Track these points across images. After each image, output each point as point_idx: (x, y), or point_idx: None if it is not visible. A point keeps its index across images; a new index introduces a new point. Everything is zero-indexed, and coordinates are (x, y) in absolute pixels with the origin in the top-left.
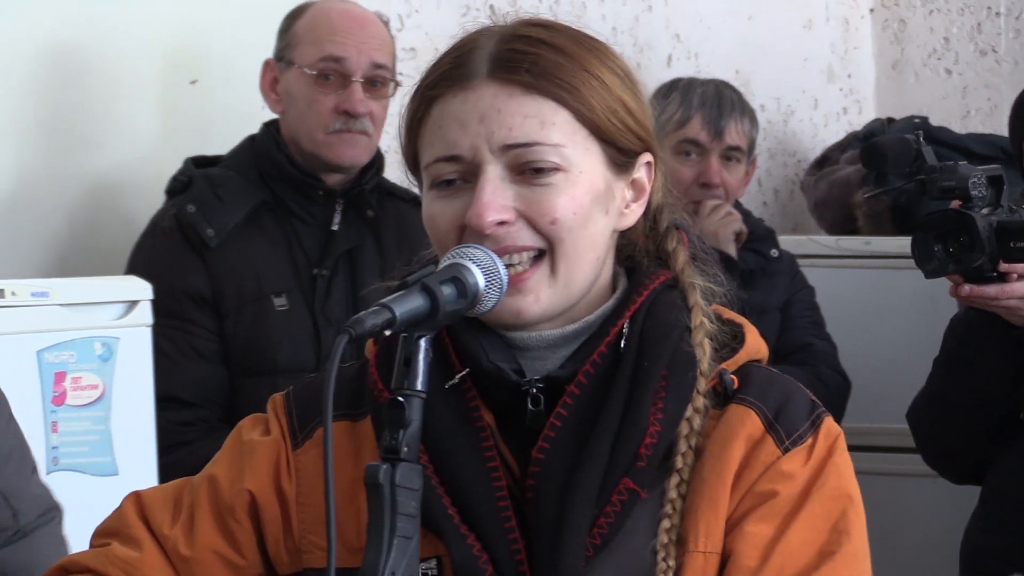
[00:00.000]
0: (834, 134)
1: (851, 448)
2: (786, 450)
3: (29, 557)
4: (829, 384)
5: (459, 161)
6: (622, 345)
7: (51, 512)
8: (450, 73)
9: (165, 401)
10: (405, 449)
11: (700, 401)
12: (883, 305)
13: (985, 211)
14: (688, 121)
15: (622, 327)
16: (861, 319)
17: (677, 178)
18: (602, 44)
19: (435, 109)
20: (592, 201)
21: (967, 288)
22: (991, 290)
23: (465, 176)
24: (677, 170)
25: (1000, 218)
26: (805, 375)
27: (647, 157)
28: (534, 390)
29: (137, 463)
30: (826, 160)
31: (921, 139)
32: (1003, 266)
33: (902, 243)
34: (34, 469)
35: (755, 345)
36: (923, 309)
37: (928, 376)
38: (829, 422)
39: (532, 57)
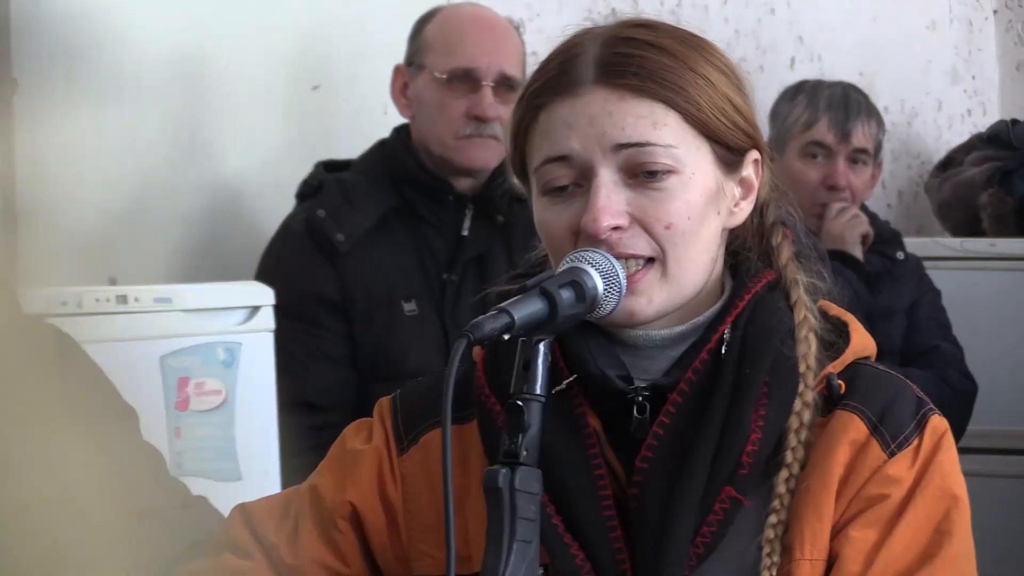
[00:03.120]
0: (958, 136)
1: (977, 451)
2: (892, 453)
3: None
4: (955, 387)
5: (570, 162)
6: (723, 351)
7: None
8: (556, 80)
9: (294, 405)
10: (524, 453)
11: (805, 409)
12: (1008, 307)
13: None
14: (815, 123)
15: (723, 333)
16: (986, 321)
17: (803, 180)
18: (705, 41)
19: (543, 116)
20: (705, 203)
21: None
22: None
23: (577, 181)
24: (803, 172)
25: None
26: (931, 378)
27: (754, 154)
28: (640, 398)
29: (260, 468)
30: (950, 162)
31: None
32: None
33: None
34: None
35: (861, 343)
36: None
37: None
38: (935, 419)
39: (638, 60)
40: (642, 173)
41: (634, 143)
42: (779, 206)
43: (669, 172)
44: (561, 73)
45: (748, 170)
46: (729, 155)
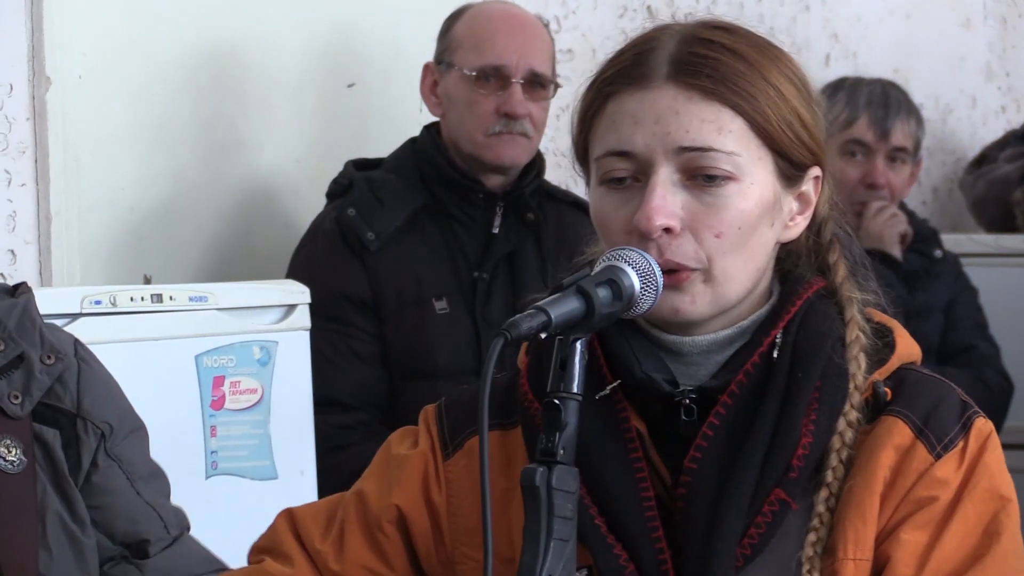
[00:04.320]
0: (992, 132)
1: (1012, 447)
2: (938, 456)
3: (182, 561)
4: (992, 386)
5: (631, 158)
6: (775, 355)
7: (187, 527)
8: (629, 71)
9: (324, 404)
10: (561, 451)
11: (853, 415)
12: None
13: None
14: (854, 121)
15: (775, 337)
16: (1019, 317)
17: (842, 178)
18: (782, 52)
19: (611, 104)
20: (760, 214)
21: None
22: None
23: (636, 175)
24: (842, 170)
25: None
26: (968, 377)
27: (816, 171)
28: (687, 400)
29: (296, 467)
30: (984, 159)
31: None
32: None
33: None
34: (169, 490)
35: (907, 349)
36: None
37: None
38: (980, 422)
39: (713, 62)
40: (701, 176)
41: (696, 147)
42: (837, 224)
43: (728, 179)
44: (634, 64)
45: (808, 186)
46: (791, 169)
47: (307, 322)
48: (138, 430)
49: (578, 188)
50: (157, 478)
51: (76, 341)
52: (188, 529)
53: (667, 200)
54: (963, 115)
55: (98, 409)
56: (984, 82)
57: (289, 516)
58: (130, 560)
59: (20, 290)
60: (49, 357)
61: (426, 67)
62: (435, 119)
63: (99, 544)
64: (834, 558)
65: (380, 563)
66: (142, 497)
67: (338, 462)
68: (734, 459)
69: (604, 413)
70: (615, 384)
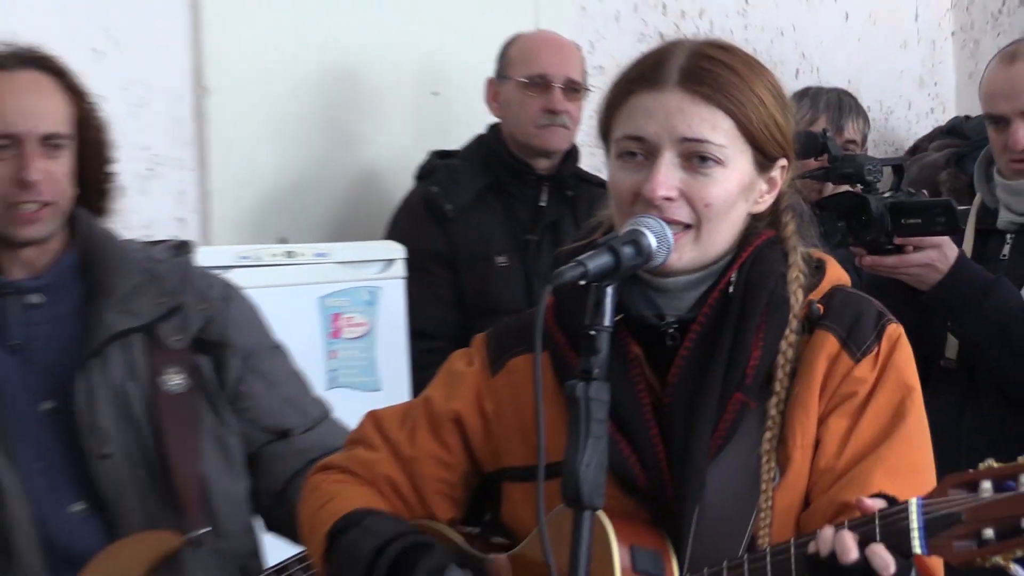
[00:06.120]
0: (924, 128)
1: None
2: (857, 360)
3: (320, 438)
4: None
5: (643, 142)
6: (730, 291)
7: (329, 412)
8: (648, 74)
9: (415, 335)
10: (596, 371)
11: (791, 336)
12: None
13: (888, 194)
14: (816, 120)
15: (731, 276)
16: None
17: (806, 164)
18: (765, 68)
19: (631, 99)
20: (738, 192)
21: (869, 259)
22: (891, 260)
23: (645, 155)
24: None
25: (896, 199)
26: None
27: (783, 161)
28: (670, 330)
29: (394, 381)
30: (917, 149)
31: (827, 134)
32: (897, 240)
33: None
34: (308, 388)
35: (835, 274)
36: None
37: None
38: (892, 328)
39: (714, 75)
40: (695, 158)
41: (694, 139)
42: (791, 197)
43: (716, 163)
44: (652, 69)
45: (776, 172)
46: (764, 160)
47: (403, 272)
48: (275, 348)
49: (606, 174)
50: (296, 380)
51: (226, 284)
52: (328, 414)
53: (669, 176)
54: (901, 115)
55: (239, 338)
56: (917, 90)
57: (373, 415)
58: (278, 441)
59: (184, 248)
60: (201, 303)
61: (489, 81)
62: (496, 120)
63: (251, 435)
64: (787, 446)
65: (443, 451)
66: (280, 397)
67: (424, 377)
68: (703, 372)
69: (611, 341)
70: (619, 318)
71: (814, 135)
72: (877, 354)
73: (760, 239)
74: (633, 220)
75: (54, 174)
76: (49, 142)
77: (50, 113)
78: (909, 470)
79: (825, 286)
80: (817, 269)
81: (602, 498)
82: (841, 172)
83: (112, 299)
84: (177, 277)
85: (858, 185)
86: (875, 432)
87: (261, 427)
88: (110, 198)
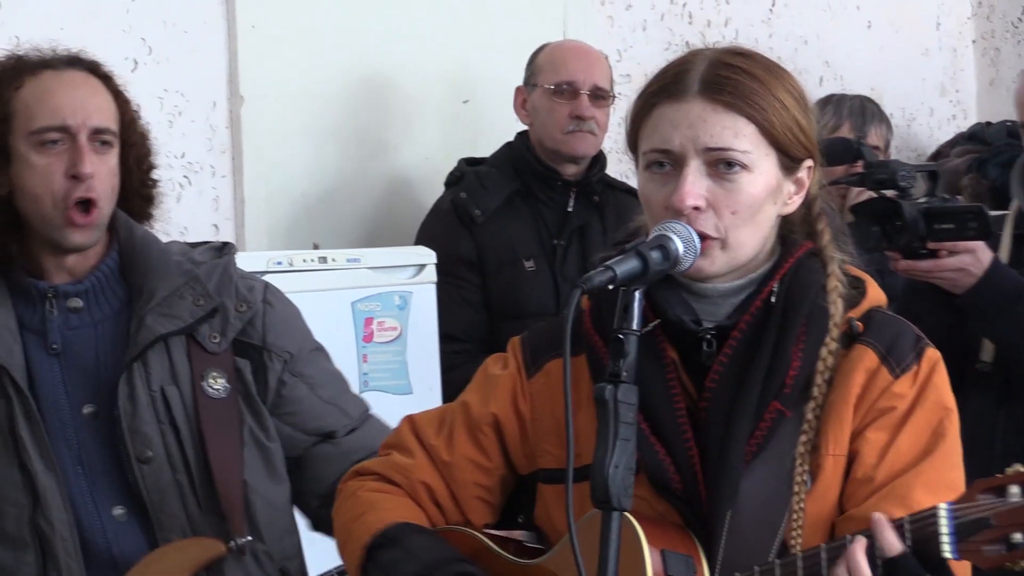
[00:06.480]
0: (945, 135)
1: None
2: (897, 376)
3: (363, 440)
4: None
5: (669, 153)
6: (772, 300)
7: (368, 410)
8: (670, 86)
9: (444, 338)
10: (624, 373)
11: (832, 344)
12: None
13: (922, 200)
14: (839, 127)
15: (773, 286)
16: None
17: (831, 170)
18: (786, 72)
19: (655, 112)
20: (765, 196)
21: (904, 263)
22: (925, 264)
23: (672, 164)
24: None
25: (929, 204)
26: None
27: (809, 162)
28: (708, 336)
29: (426, 384)
30: (939, 154)
31: (861, 141)
32: (931, 244)
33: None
34: (348, 388)
35: (875, 295)
36: None
37: None
38: (930, 351)
39: (734, 82)
40: (721, 164)
41: (718, 148)
42: (824, 201)
43: (742, 168)
44: (674, 81)
45: (803, 173)
46: (790, 162)
47: (434, 277)
48: (316, 350)
49: (633, 180)
50: (337, 381)
51: (267, 287)
52: (369, 413)
53: (696, 185)
54: (923, 122)
55: (280, 341)
56: (939, 97)
57: (410, 420)
58: (323, 443)
59: (225, 250)
60: (242, 305)
61: (517, 89)
62: (525, 128)
63: (295, 439)
64: (819, 454)
65: (480, 455)
66: (323, 400)
67: (452, 379)
68: (742, 379)
69: (648, 344)
70: (656, 323)
71: (848, 142)
72: (916, 372)
73: (801, 250)
74: (661, 225)
75: (103, 171)
76: (99, 137)
77: (101, 109)
78: (947, 488)
79: (865, 306)
80: (856, 287)
81: (630, 499)
82: (875, 178)
83: (153, 303)
84: (217, 279)
85: (891, 191)
86: (915, 448)
87: (305, 430)
88: (152, 204)
